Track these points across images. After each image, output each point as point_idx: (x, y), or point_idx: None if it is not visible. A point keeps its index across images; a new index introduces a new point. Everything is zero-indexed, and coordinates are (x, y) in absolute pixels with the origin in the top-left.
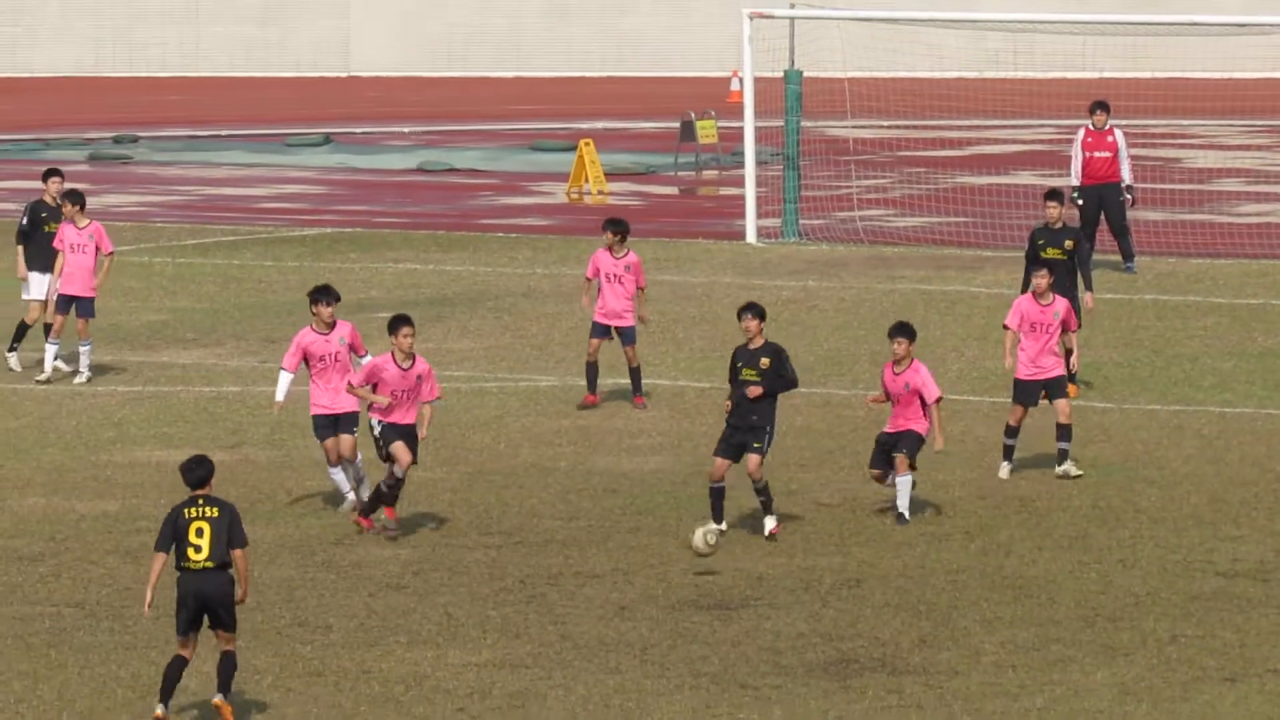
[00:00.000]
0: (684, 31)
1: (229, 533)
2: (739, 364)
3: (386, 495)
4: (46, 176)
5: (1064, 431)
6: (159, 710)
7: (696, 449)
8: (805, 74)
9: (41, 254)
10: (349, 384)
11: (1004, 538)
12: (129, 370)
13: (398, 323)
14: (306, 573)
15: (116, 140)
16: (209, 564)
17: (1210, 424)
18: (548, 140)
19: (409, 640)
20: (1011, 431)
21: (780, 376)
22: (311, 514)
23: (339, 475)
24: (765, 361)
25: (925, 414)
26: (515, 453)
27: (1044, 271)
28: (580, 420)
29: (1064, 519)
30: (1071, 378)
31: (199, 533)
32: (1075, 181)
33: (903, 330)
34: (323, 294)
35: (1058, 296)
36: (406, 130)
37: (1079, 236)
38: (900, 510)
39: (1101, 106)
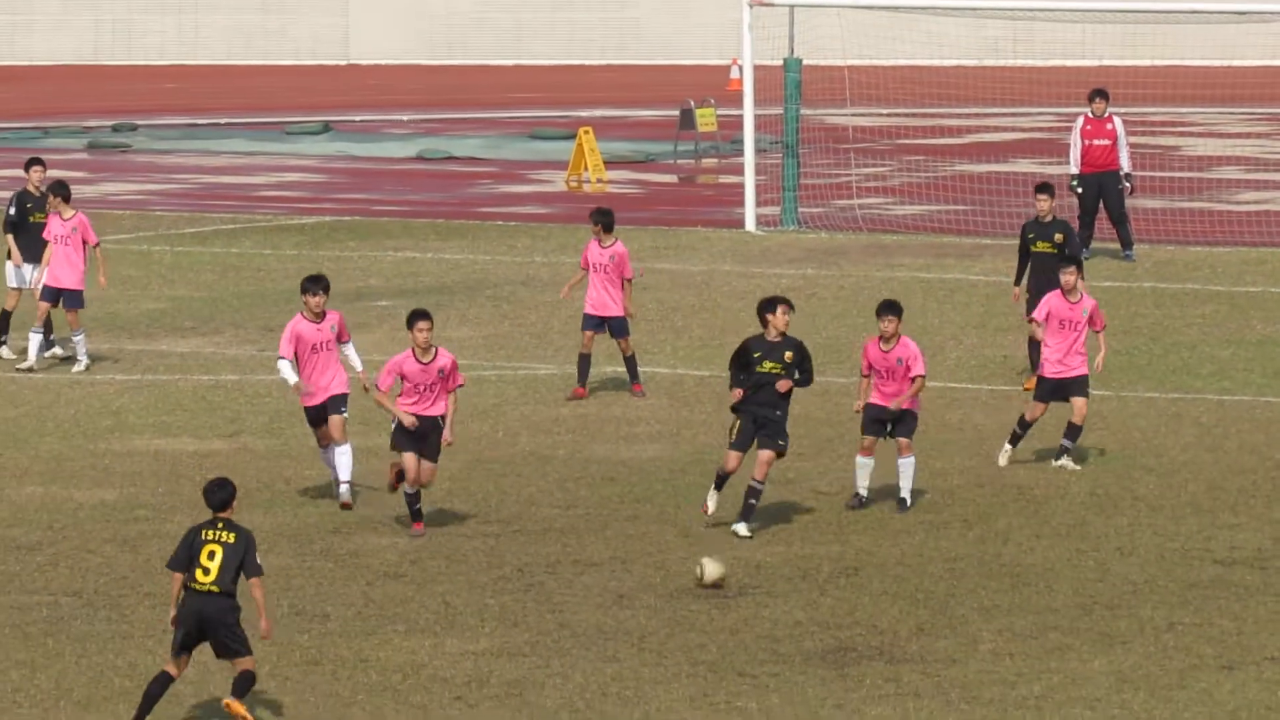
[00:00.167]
0: (683, 19)
1: (242, 561)
2: (756, 354)
3: (411, 511)
4: (29, 166)
5: (1074, 430)
6: None
7: (695, 437)
8: (805, 62)
9: (32, 245)
10: (374, 386)
11: (1002, 526)
12: (127, 359)
13: (414, 317)
14: (304, 561)
15: (115, 128)
16: (214, 588)
17: (1208, 411)
18: (547, 128)
19: (407, 629)
20: (1025, 424)
21: (805, 373)
22: (309, 502)
23: (330, 457)
24: (789, 355)
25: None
26: (513, 441)
27: (1071, 268)
28: (578, 408)
29: (1062, 507)
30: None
31: (210, 555)
32: (1074, 169)
33: (891, 308)
34: (314, 283)
35: (1085, 294)
36: (406, 118)
37: (1069, 230)
38: (903, 495)
39: (1101, 94)
